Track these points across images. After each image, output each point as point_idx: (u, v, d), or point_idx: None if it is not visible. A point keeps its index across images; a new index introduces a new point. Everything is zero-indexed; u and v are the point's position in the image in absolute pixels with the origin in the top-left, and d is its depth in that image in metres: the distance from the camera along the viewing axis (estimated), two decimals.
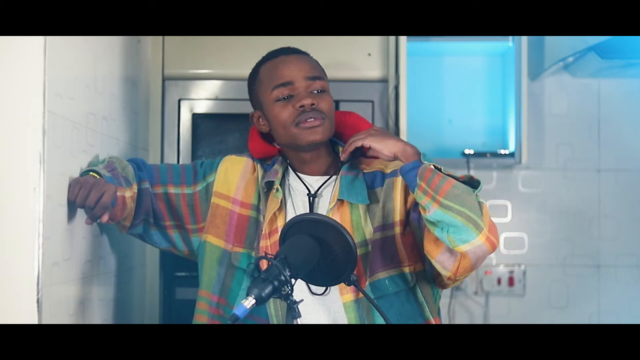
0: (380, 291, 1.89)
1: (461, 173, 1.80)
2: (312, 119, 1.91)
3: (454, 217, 1.72)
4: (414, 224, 1.92)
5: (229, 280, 1.95)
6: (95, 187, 1.79)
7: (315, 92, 1.94)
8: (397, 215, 1.92)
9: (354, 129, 2.01)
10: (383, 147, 1.86)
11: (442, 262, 1.82)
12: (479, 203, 1.74)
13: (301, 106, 1.91)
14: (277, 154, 2.05)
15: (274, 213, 1.93)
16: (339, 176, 1.96)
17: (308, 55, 2.02)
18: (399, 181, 1.93)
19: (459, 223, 1.72)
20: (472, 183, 1.77)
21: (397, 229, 1.92)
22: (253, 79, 2.02)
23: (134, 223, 1.98)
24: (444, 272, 1.83)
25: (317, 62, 2.02)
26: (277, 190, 1.94)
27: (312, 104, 1.91)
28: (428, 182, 1.74)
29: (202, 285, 2.00)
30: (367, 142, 1.88)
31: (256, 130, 2.06)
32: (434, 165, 1.77)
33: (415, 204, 1.89)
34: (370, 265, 1.90)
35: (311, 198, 1.96)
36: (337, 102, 2.63)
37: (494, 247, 1.77)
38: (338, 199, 1.91)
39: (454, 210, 1.72)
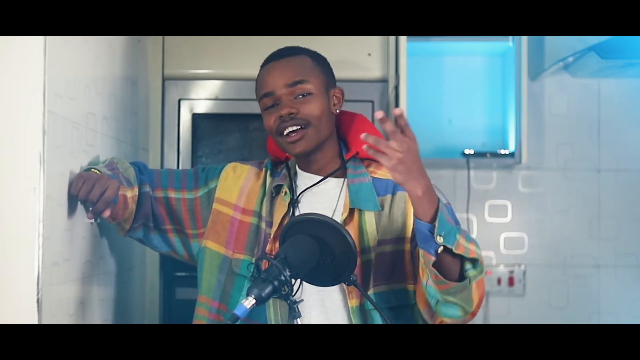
0: (380, 304, 1.85)
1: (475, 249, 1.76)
2: (291, 132, 1.88)
3: (449, 303, 1.76)
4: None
5: (229, 287, 1.94)
6: (98, 181, 1.80)
7: (301, 96, 1.91)
8: (409, 231, 1.89)
9: (356, 132, 2.00)
10: (406, 184, 1.65)
11: (424, 295, 1.83)
12: (476, 281, 1.74)
13: (280, 116, 1.89)
14: (285, 160, 2.04)
15: (282, 217, 1.92)
16: (345, 183, 1.94)
17: (299, 55, 1.95)
18: None
19: (451, 306, 1.76)
20: (474, 264, 1.75)
21: (408, 246, 1.89)
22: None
23: (133, 226, 1.98)
24: (430, 300, 1.83)
25: (308, 61, 1.94)
26: (286, 193, 1.94)
27: (291, 113, 1.88)
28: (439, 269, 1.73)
29: (201, 291, 1.99)
30: (392, 175, 1.65)
31: None
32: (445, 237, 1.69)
33: (414, 236, 1.83)
34: (375, 275, 1.87)
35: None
36: None
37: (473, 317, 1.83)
38: (350, 208, 1.89)
39: (450, 300, 1.75)
